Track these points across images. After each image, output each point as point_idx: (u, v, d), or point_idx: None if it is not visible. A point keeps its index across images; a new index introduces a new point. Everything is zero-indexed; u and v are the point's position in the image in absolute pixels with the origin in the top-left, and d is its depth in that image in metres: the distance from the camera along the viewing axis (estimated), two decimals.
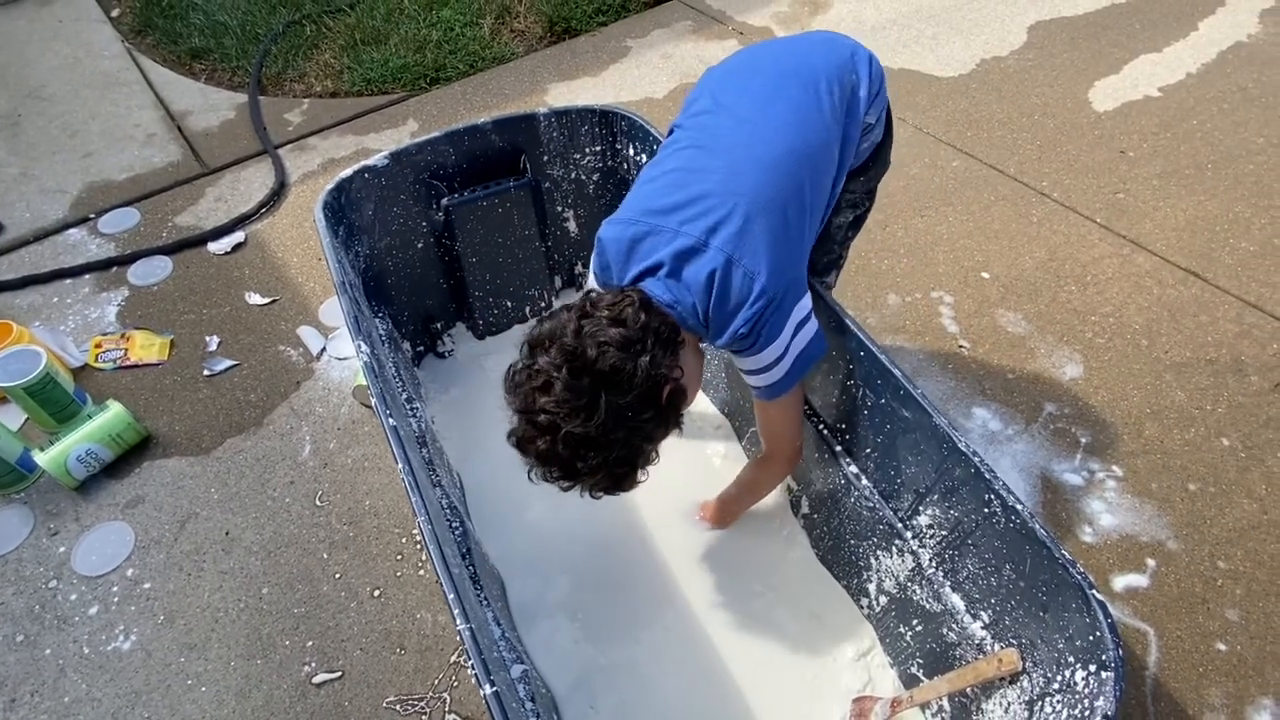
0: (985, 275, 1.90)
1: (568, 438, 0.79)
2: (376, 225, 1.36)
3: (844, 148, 0.99)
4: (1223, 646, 1.26)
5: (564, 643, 1.22)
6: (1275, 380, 1.65)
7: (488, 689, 0.70)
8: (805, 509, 1.32)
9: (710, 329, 0.92)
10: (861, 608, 1.22)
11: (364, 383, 1.57)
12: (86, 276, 1.91)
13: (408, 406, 1.17)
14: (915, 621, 1.08)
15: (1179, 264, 1.91)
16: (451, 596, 0.75)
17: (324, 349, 1.72)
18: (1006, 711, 0.89)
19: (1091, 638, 0.76)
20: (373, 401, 0.96)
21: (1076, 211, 2.07)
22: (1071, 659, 0.79)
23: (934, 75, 2.64)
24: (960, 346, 1.74)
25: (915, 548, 1.04)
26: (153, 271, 1.91)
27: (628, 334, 0.82)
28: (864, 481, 1.12)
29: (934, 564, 1.02)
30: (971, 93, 2.56)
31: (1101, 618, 0.74)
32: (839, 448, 1.16)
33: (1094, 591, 0.76)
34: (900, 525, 1.06)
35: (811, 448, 1.22)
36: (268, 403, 1.63)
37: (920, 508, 1.01)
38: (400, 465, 0.88)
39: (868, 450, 1.10)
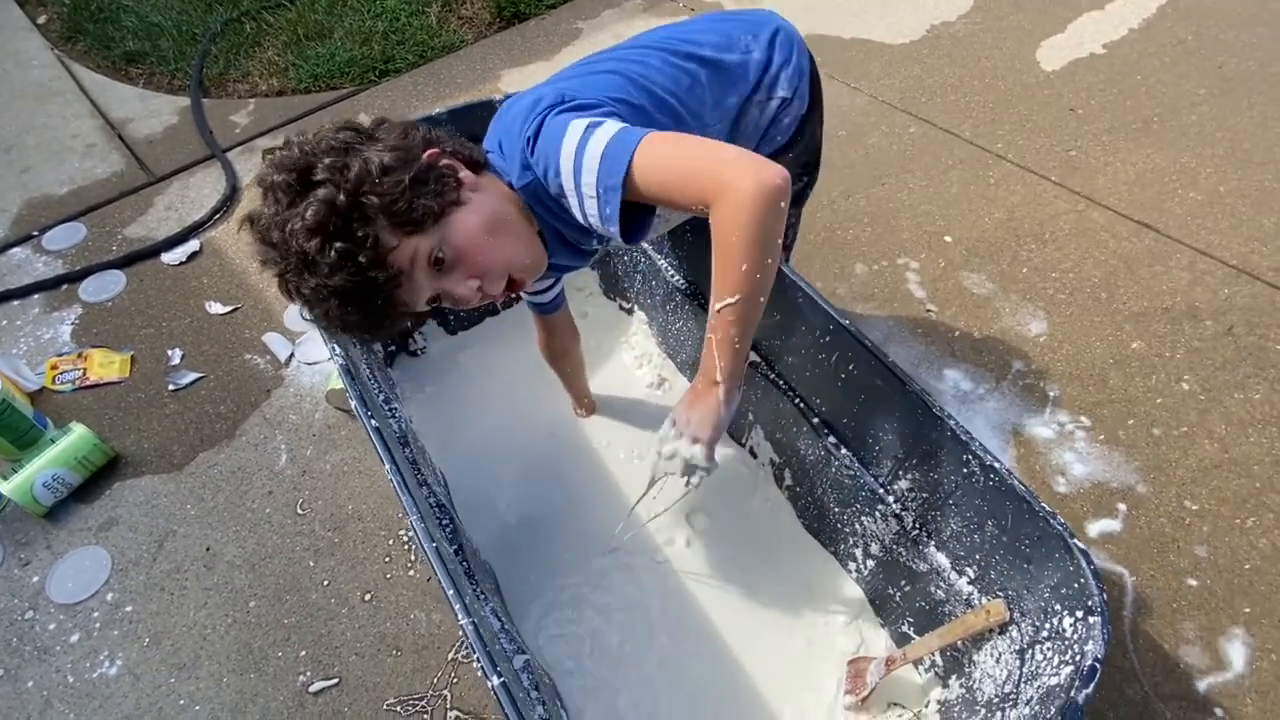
0: (948, 239, 1.93)
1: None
2: None
3: (721, 85, 0.97)
4: (1194, 582, 1.32)
5: (559, 627, 1.23)
6: (1228, 324, 1.71)
7: (495, 680, 0.70)
8: (789, 481, 1.34)
9: (509, 165, 0.87)
10: (850, 573, 1.25)
11: (337, 387, 1.55)
12: (35, 296, 1.83)
13: (386, 408, 1.15)
14: (903, 582, 1.11)
15: (1132, 217, 1.96)
16: (451, 593, 0.74)
17: (292, 355, 1.69)
18: (998, 662, 0.92)
19: (1076, 585, 0.78)
20: (352, 404, 0.94)
21: (1031, 171, 2.11)
22: (1058, 606, 0.81)
23: (885, 43, 2.66)
24: (928, 310, 1.77)
25: (898, 511, 1.06)
26: (105, 287, 1.85)
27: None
28: (843, 451, 1.13)
29: (917, 525, 1.04)
30: (923, 59, 2.58)
31: (1084, 565, 0.77)
32: (816, 420, 1.17)
33: (1075, 540, 0.79)
34: (882, 490, 1.08)
35: (790, 421, 1.23)
36: (238, 414, 1.59)
37: (900, 472, 1.03)
38: (387, 467, 0.87)
39: (844, 420, 1.12)
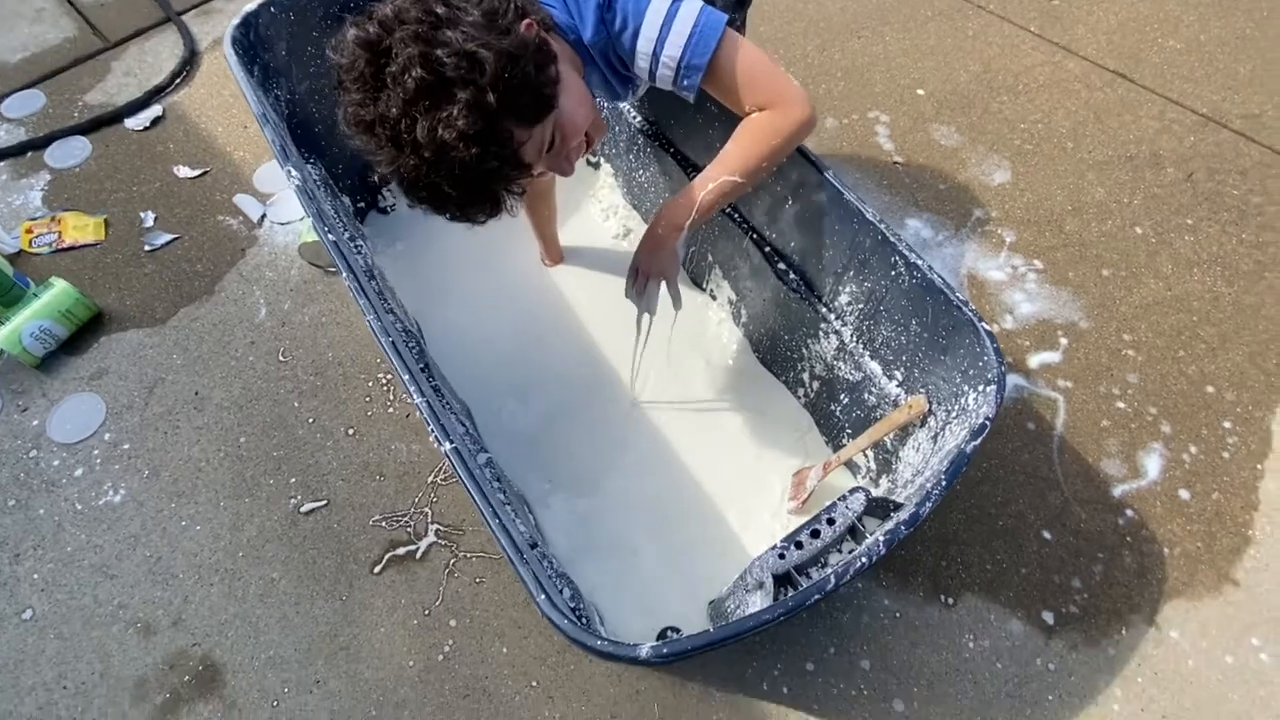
0: (920, 92, 1.91)
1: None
2: (293, 67, 1.32)
3: None
4: (1122, 405, 1.41)
5: (531, 458, 1.32)
6: (1189, 170, 1.73)
7: (446, 446, 0.78)
8: (745, 319, 1.40)
9: (578, 20, 0.86)
10: (799, 397, 1.33)
11: (309, 240, 1.58)
12: (1, 164, 1.83)
13: (352, 244, 1.19)
14: (842, 396, 1.19)
15: (1108, 67, 1.94)
16: (403, 373, 0.81)
17: (264, 215, 1.71)
18: (918, 450, 1.01)
19: (980, 363, 0.85)
20: (310, 221, 0.98)
21: (1011, 22, 2.06)
22: (965, 387, 0.89)
23: None
24: (895, 163, 1.78)
25: (838, 327, 1.13)
26: (71, 153, 1.84)
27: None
28: (791, 276, 1.19)
29: (854, 338, 1.11)
30: None
31: (988, 344, 0.84)
32: (768, 249, 1.22)
33: (983, 324, 0.85)
34: (825, 310, 1.14)
35: (744, 255, 1.28)
36: (215, 271, 1.63)
37: (840, 288, 1.09)
38: (344, 274, 0.92)
39: (792, 244, 1.16)
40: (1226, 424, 1.37)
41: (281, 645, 1.21)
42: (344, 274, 0.92)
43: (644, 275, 1.05)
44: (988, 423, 0.78)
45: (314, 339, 1.53)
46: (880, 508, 0.84)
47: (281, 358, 1.50)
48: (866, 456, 1.17)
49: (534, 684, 1.16)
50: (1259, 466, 1.33)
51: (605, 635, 0.70)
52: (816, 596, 0.67)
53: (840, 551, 0.83)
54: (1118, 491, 1.31)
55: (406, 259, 1.59)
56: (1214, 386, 1.42)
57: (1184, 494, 1.30)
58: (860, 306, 1.06)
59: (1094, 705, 1.12)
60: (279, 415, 1.43)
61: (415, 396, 0.81)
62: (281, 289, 1.60)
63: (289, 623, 1.22)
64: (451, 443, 0.78)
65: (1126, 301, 1.53)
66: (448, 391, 1.21)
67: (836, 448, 1.27)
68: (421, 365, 1.07)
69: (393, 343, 0.86)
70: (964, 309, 0.86)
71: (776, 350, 1.33)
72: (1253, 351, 1.46)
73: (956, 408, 0.90)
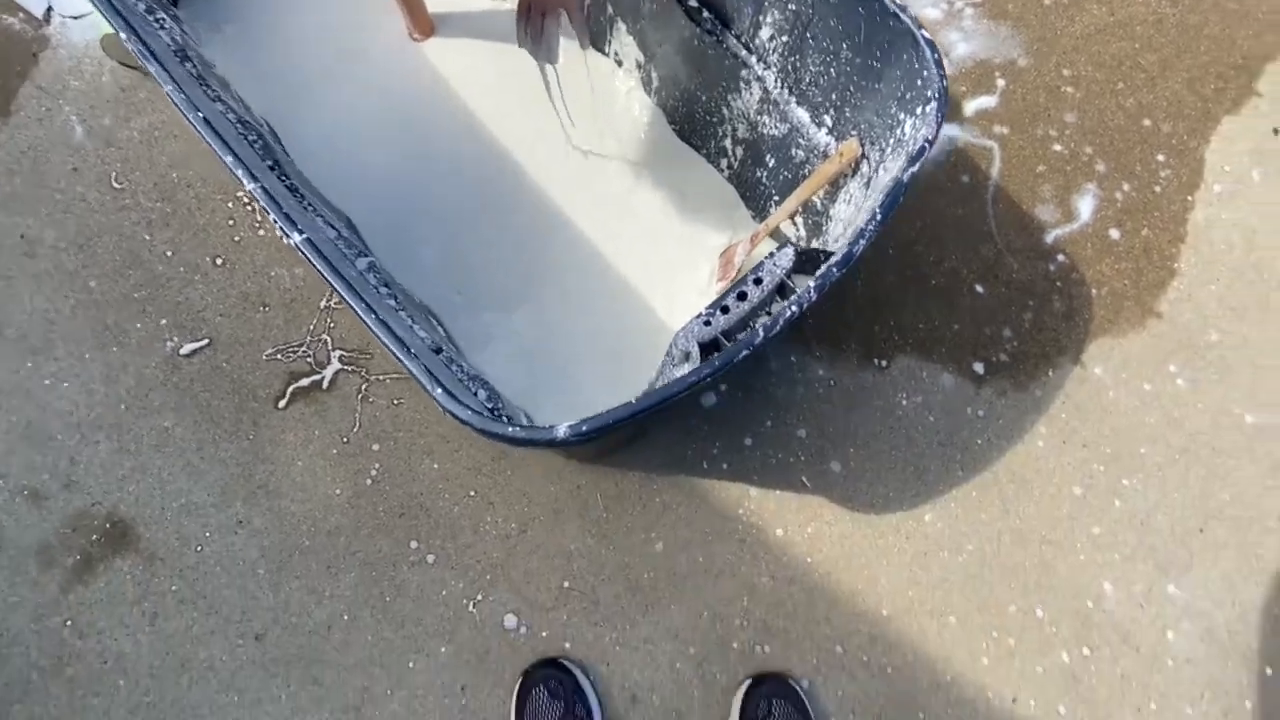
0: None
1: None
2: None
3: None
4: (1059, 147, 1.33)
5: (438, 284, 1.18)
6: None
7: (296, 238, 0.63)
8: (656, 84, 1.22)
9: None
10: (721, 169, 1.21)
11: (110, 31, 1.27)
12: None
13: (149, 18, 0.94)
14: (768, 157, 1.07)
15: None
16: (213, 141, 0.64)
17: (50, 9, 1.36)
18: (849, 203, 0.92)
19: (920, 81, 0.73)
20: None
21: None
22: (902, 115, 0.77)
23: None
24: None
25: (761, 72, 0.98)
26: None
27: None
28: (705, 15, 1.00)
29: (779, 83, 0.96)
30: None
31: (928, 53, 0.71)
32: None
33: (921, 31, 0.72)
34: (745, 52, 0.98)
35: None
36: (5, 87, 1.32)
37: (760, 18, 0.92)
38: (124, 37, 0.70)
39: None
40: (1160, 157, 1.32)
41: (192, 492, 1.12)
42: (123, 36, 0.70)
43: (537, 10, 0.85)
44: (927, 145, 0.68)
45: (151, 158, 1.28)
46: (811, 262, 0.75)
47: (116, 184, 1.27)
48: (795, 224, 1.08)
49: (472, 493, 1.13)
50: (1189, 198, 1.30)
51: (518, 422, 0.62)
52: (745, 352, 0.60)
53: (770, 314, 0.75)
54: (1050, 237, 1.28)
55: (241, 49, 1.31)
56: (1150, 119, 1.35)
57: (1114, 233, 1.28)
58: (784, 40, 0.91)
59: (1020, 444, 1.16)
60: (130, 251, 1.23)
61: (247, 182, 0.65)
62: (96, 100, 1.31)
63: (195, 469, 1.13)
64: (301, 233, 0.64)
65: (1068, 32, 1.40)
66: (318, 202, 1.03)
67: (763, 220, 1.17)
68: (270, 163, 0.89)
69: (204, 118, 0.67)
70: (901, 16, 0.72)
71: (694, 117, 1.17)
72: (1192, 77, 1.38)
73: (892, 140, 0.80)
